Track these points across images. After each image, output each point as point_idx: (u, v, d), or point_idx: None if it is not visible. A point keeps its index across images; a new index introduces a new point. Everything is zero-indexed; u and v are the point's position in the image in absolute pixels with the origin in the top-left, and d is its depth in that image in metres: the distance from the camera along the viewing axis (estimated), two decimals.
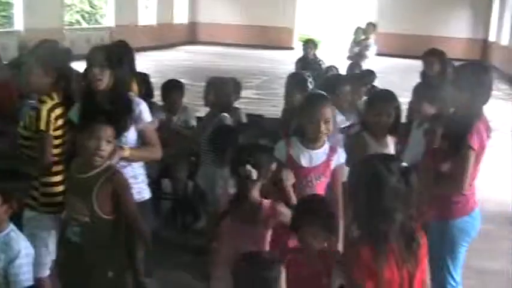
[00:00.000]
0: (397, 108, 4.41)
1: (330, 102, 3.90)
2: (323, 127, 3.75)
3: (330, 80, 5.72)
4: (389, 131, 4.40)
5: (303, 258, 3.20)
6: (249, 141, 4.27)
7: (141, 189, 4.04)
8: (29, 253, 3.38)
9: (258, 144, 3.87)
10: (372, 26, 13.30)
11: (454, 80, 3.91)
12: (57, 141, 3.87)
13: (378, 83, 8.05)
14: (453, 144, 3.68)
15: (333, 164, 3.87)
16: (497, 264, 5.50)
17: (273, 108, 10.67)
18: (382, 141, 4.37)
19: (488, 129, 3.79)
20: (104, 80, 3.78)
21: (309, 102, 3.93)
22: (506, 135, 11.37)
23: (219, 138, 4.92)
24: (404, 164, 2.63)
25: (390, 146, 4.41)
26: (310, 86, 5.52)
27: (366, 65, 10.76)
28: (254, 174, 3.34)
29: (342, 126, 4.95)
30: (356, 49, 12.45)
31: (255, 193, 3.41)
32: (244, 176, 3.34)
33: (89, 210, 3.52)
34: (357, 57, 11.72)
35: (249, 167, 3.32)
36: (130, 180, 3.79)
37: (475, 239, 3.96)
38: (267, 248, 3.39)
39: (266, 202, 3.41)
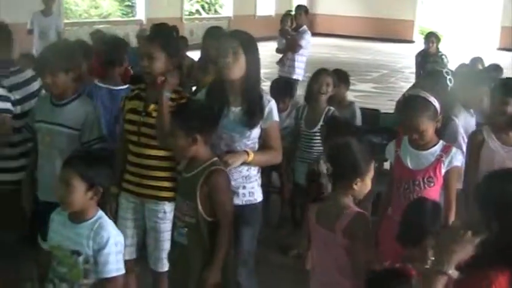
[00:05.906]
0: None
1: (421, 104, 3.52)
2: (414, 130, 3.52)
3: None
4: None
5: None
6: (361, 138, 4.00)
7: (253, 191, 3.69)
8: (118, 241, 3.07)
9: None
10: (303, 9, 9.96)
11: None
12: None
13: None
14: None
15: (443, 167, 3.52)
16: None
17: (390, 102, 10.32)
18: (506, 140, 3.95)
19: None
20: (236, 69, 3.48)
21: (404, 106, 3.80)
22: None
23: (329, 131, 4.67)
24: None
25: None
26: (450, 84, 5.00)
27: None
28: None
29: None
30: (283, 41, 9.83)
31: None
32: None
33: (194, 211, 3.37)
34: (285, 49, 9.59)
35: None
36: (243, 180, 3.58)
37: None
38: None
39: None
